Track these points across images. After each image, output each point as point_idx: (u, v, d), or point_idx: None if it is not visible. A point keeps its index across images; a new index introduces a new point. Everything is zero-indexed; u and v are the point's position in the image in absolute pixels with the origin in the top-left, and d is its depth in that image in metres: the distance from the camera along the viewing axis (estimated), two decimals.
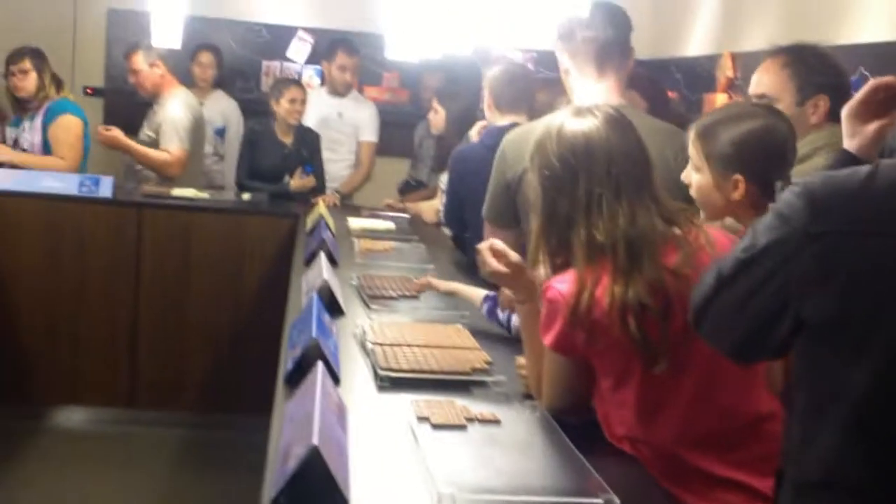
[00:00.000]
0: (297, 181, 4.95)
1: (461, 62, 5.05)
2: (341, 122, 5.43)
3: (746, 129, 1.98)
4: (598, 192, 1.84)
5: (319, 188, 5.05)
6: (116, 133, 4.82)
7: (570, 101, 2.57)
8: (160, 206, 4.56)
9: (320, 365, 1.85)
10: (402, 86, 6.34)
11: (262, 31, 6.29)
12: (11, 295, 4.41)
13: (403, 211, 4.83)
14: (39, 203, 4.42)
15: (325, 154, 5.19)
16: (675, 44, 5.54)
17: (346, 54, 5.37)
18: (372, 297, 2.88)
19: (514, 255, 2.05)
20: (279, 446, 1.62)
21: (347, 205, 5.13)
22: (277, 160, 5.00)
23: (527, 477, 1.69)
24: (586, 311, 1.78)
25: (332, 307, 2.61)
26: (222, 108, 5.63)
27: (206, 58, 5.60)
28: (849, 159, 1.74)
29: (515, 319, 2.53)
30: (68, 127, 4.78)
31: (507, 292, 2.41)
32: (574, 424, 1.89)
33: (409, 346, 2.31)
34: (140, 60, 4.90)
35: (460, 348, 2.34)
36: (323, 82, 5.77)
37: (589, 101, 2.35)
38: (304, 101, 5.02)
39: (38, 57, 4.77)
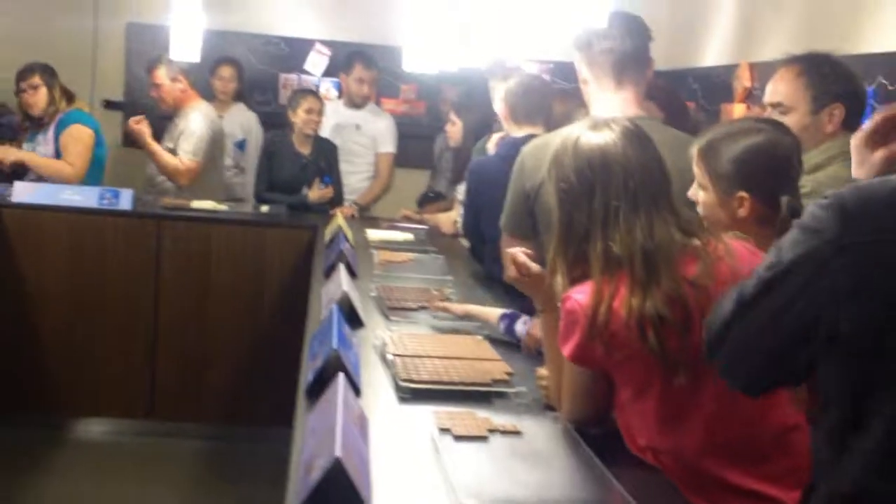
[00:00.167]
0: (316, 192, 4.97)
1: (478, 74, 5.05)
2: (359, 134, 5.44)
3: (748, 146, 1.97)
4: (615, 205, 1.84)
5: (337, 199, 5.07)
6: (144, 127, 4.85)
7: (588, 112, 2.58)
8: (180, 218, 4.58)
9: (341, 377, 1.85)
10: (420, 98, 6.38)
11: (280, 44, 6.33)
12: (32, 306, 4.45)
13: (421, 222, 4.84)
14: (60, 216, 4.46)
15: (343, 166, 5.21)
16: (692, 54, 5.54)
17: (363, 67, 5.38)
18: (391, 309, 2.89)
19: (535, 267, 2.05)
20: (301, 458, 1.62)
21: (366, 216, 5.15)
22: (296, 171, 5.02)
23: (549, 488, 1.69)
24: (604, 322, 1.78)
25: (352, 318, 2.62)
26: (242, 121, 5.65)
27: (227, 71, 5.63)
28: None
29: (520, 327, 2.54)
30: (79, 136, 4.82)
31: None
32: (595, 435, 1.90)
33: (429, 357, 2.31)
34: (162, 74, 4.95)
35: (481, 359, 2.34)
36: (340, 95, 5.79)
37: (607, 111, 2.36)
38: (320, 112, 5.04)
39: (47, 72, 4.82)
